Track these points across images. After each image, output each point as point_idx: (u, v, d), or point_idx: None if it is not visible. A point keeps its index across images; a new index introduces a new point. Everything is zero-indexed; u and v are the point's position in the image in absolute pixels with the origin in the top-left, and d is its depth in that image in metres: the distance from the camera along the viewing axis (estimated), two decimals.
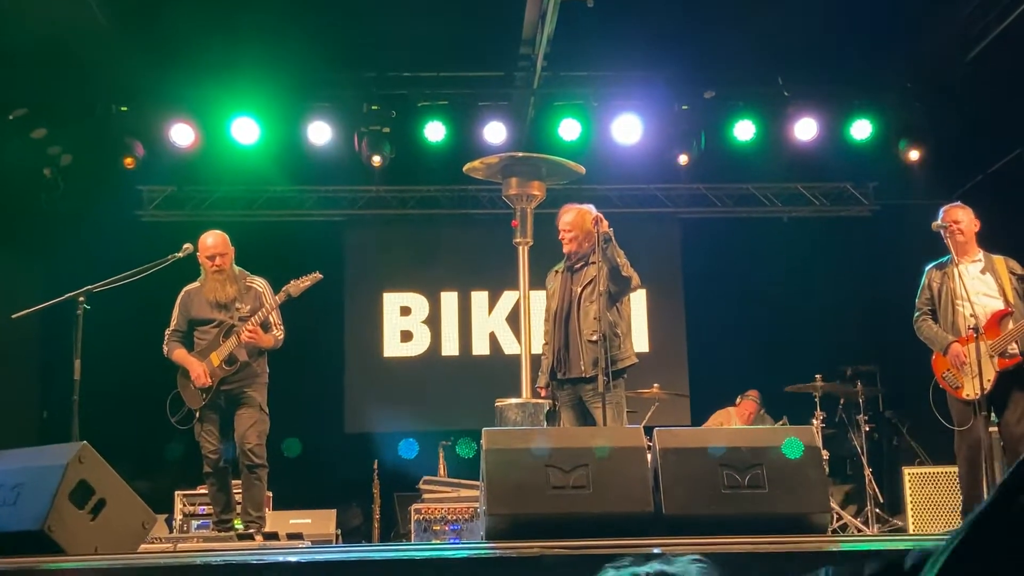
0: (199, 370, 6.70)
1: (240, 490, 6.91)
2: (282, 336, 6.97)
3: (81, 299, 6.32)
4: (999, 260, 6.49)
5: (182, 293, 6.96)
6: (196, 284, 6.94)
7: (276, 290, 6.92)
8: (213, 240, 6.89)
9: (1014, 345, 6.24)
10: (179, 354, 6.83)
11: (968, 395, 6.31)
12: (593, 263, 6.38)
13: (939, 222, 6.50)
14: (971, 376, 6.26)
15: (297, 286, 6.85)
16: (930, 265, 6.66)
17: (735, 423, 9.53)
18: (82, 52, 8.81)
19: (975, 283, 6.35)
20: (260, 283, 6.99)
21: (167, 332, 6.92)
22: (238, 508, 6.95)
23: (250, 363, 6.79)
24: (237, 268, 7.01)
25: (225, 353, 6.70)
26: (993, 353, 6.12)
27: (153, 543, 6.10)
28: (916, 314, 6.65)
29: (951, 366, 6.36)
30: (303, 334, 10.43)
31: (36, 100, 9.36)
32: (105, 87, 9.53)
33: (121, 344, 8.15)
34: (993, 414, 6.31)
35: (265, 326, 6.86)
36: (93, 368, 6.40)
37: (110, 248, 9.00)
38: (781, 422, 9.24)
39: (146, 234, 10.30)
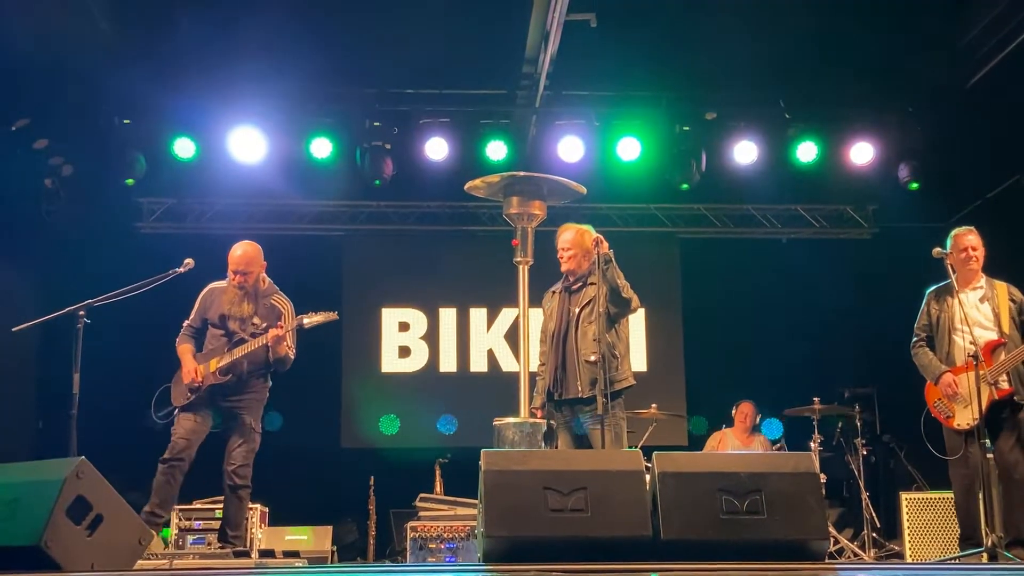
0: (191, 367, 6.63)
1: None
2: (292, 356, 6.82)
3: (81, 313, 6.29)
4: (1001, 287, 6.49)
5: (206, 289, 6.88)
6: (223, 284, 6.84)
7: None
8: (240, 253, 6.77)
9: (1005, 377, 6.25)
10: (183, 349, 6.77)
11: (959, 424, 6.33)
12: (592, 283, 6.38)
13: (948, 250, 6.48)
14: (963, 406, 6.28)
15: (312, 319, 6.72)
16: (930, 289, 6.67)
17: (732, 441, 9.51)
18: (85, 64, 8.83)
19: (972, 312, 6.35)
20: (284, 303, 6.85)
21: (184, 323, 6.87)
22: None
23: (249, 379, 6.70)
24: (267, 281, 6.89)
25: (225, 362, 6.61)
26: (986, 383, 6.12)
27: (149, 559, 6.07)
28: (913, 339, 6.67)
29: (942, 395, 6.37)
30: (301, 348, 10.48)
31: (38, 111, 9.37)
32: (107, 99, 9.54)
33: (120, 358, 8.13)
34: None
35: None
36: (92, 382, 6.37)
37: (110, 259, 9.01)
38: (778, 446, 9.25)
39: (146, 246, 10.32)
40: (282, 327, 6.58)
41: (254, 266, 6.79)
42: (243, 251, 6.79)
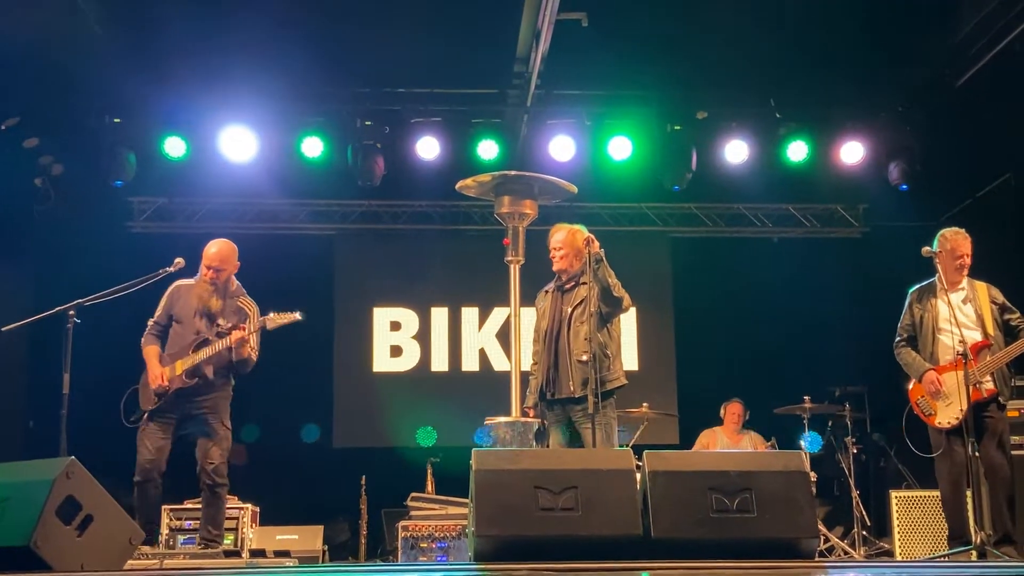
0: (156, 372, 6.58)
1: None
2: (255, 359, 6.79)
3: (71, 313, 6.28)
4: (982, 287, 6.53)
5: (172, 286, 6.85)
6: (191, 281, 6.83)
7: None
8: (215, 250, 6.78)
9: (989, 377, 6.28)
10: (149, 351, 6.72)
11: (940, 423, 6.35)
12: (584, 283, 6.39)
13: (937, 249, 6.50)
14: (945, 404, 6.31)
15: (275, 320, 6.71)
16: (913, 288, 6.70)
17: (722, 440, 9.53)
18: (76, 63, 8.82)
19: (957, 314, 6.37)
20: (250, 305, 6.85)
21: (149, 322, 6.82)
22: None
23: (215, 380, 6.66)
24: (237, 283, 6.91)
25: (190, 364, 6.57)
26: (969, 384, 6.14)
27: (140, 559, 6.06)
28: (896, 339, 6.69)
29: (925, 393, 6.40)
30: (292, 347, 10.46)
31: (29, 110, 9.35)
32: (98, 98, 9.52)
33: (111, 358, 8.11)
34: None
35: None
36: (82, 382, 6.36)
37: (100, 259, 9.00)
38: (770, 444, 9.26)
39: (136, 246, 10.30)
40: (245, 328, 6.58)
41: (228, 264, 6.80)
42: (219, 248, 6.80)
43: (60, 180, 9.91)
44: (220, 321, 6.68)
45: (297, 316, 6.79)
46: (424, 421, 10.69)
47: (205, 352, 6.58)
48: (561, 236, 6.61)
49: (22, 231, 9.92)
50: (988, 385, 6.28)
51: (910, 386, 6.56)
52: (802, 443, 9.00)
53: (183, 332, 6.71)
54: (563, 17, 8.12)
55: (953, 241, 6.51)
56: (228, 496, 7.57)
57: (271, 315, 6.74)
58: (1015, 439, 7.13)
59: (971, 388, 6.10)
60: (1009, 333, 6.42)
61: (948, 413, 6.29)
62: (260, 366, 6.89)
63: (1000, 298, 6.52)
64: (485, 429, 4.48)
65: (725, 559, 4.24)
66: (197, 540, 6.74)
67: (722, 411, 9.68)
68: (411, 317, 11.22)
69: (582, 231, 6.52)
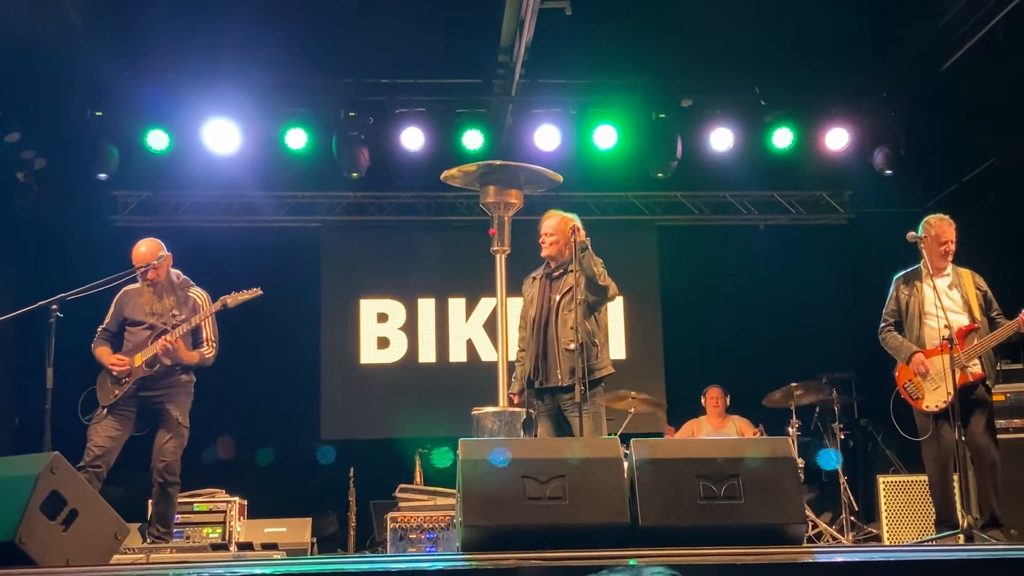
0: (115, 359, 6.58)
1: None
2: (211, 355, 6.78)
3: (54, 307, 6.24)
4: (967, 274, 6.56)
5: (120, 293, 6.83)
6: (137, 285, 6.81)
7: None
8: (145, 249, 6.76)
9: (976, 362, 6.30)
10: (101, 351, 6.71)
11: (927, 406, 6.37)
12: (572, 271, 6.38)
13: (922, 235, 6.51)
14: (932, 387, 6.32)
15: (235, 298, 6.72)
16: (898, 275, 6.72)
17: (705, 427, 9.53)
18: (57, 56, 8.75)
19: (943, 298, 6.39)
20: (200, 294, 6.86)
21: (99, 328, 6.81)
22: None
23: (174, 369, 6.65)
24: (180, 275, 6.90)
25: (149, 355, 6.56)
26: (956, 368, 6.15)
27: (125, 554, 6.04)
28: (881, 325, 6.70)
29: (913, 375, 6.41)
30: (280, 340, 10.48)
31: (10, 104, 9.28)
32: (80, 91, 9.45)
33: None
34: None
35: (196, 339, 6.76)
36: (66, 376, 6.32)
37: (84, 253, 8.97)
38: (758, 430, 9.27)
39: (120, 239, 10.19)
40: (167, 341, 6.52)
41: (154, 258, 6.73)
42: (146, 247, 6.77)
43: (43, 174, 9.84)
44: (174, 312, 6.66)
45: (258, 291, 6.81)
46: (412, 412, 10.66)
47: (162, 341, 6.55)
48: (552, 222, 6.62)
49: (5, 227, 9.87)
50: (975, 368, 6.30)
51: (897, 370, 6.57)
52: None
53: (138, 331, 6.71)
54: (547, 6, 8.10)
55: (937, 227, 6.54)
56: (215, 490, 7.57)
57: (231, 294, 6.73)
58: (1001, 423, 7.15)
59: (958, 372, 6.12)
60: (993, 324, 6.44)
61: (936, 396, 6.30)
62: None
63: (984, 286, 6.56)
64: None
65: (713, 546, 4.24)
66: (148, 536, 6.68)
67: (703, 398, 9.67)
68: (398, 308, 11.20)
69: (573, 219, 6.52)
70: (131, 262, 6.74)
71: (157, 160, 9.81)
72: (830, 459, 8.97)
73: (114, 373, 6.58)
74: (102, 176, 9.61)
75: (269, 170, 10.20)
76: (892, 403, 6.59)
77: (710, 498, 4.57)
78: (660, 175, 10.04)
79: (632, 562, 3.74)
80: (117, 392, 6.56)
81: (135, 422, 6.64)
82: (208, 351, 6.75)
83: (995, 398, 6.65)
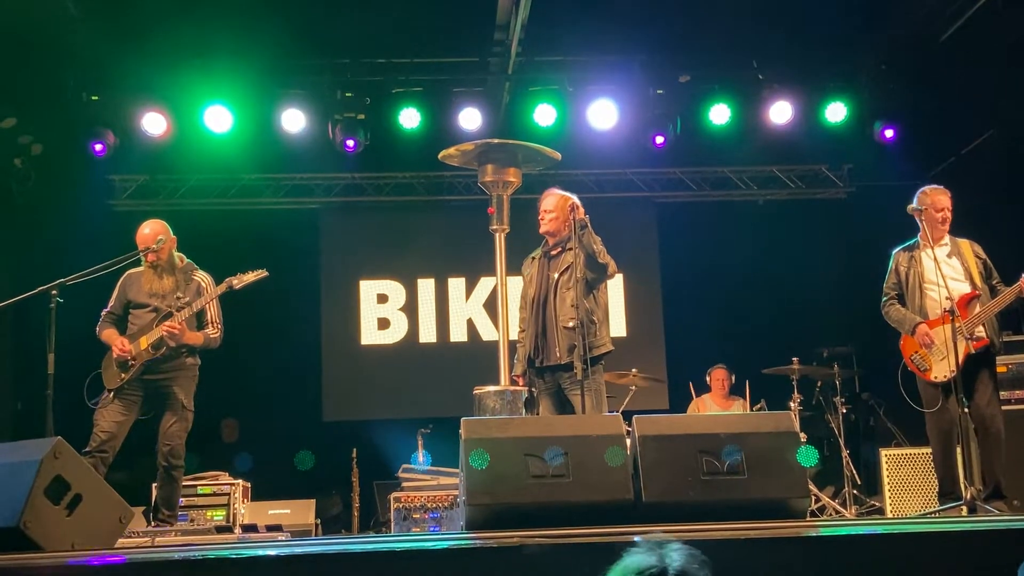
0: (120, 342, 6.57)
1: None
2: (218, 335, 6.78)
3: (54, 292, 6.23)
4: (965, 244, 6.56)
5: (123, 276, 6.83)
6: (139, 268, 6.82)
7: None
8: (148, 231, 6.76)
9: (981, 328, 6.30)
10: (107, 333, 6.73)
11: (936, 377, 6.36)
12: (570, 249, 6.37)
13: (922, 207, 6.50)
14: (939, 358, 6.31)
15: (241, 279, 6.73)
16: (897, 248, 6.71)
17: (711, 406, 9.54)
18: (52, 40, 8.71)
19: (943, 267, 6.38)
20: (204, 277, 6.86)
21: (103, 312, 6.82)
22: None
23: (180, 353, 6.64)
24: (184, 259, 6.90)
25: (155, 337, 6.55)
26: (962, 336, 6.14)
27: (130, 537, 6.05)
28: (883, 298, 6.69)
29: (919, 346, 6.40)
30: (280, 322, 10.47)
31: (6, 89, 9.23)
32: (76, 75, 9.43)
33: (94, 336, 8.10)
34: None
35: (200, 321, 6.74)
36: (67, 361, 6.32)
37: (83, 238, 8.96)
38: (759, 406, 9.27)
39: (119, 224, 10.19)
40: (172, 327, 6.51)
41: (154, 240, 6.71)
42: (150, 229, 6.77)
43: (40, 159, 9.81)
44: (179, 294, 6.64)
45: (264, 272, 6.82)
46: (414, 393, 10.69)
47: (166, 325, 6.54)
48: (552, 200, 6.63)
49: (3, 213, 9.85)
50: (980, 334, 6.30)
51: (902, 342, 6.57)
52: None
53: (142, 314, 6.71)
54: None
55: (933, 196, 6.57)
56: (219, 472, 7.58)
57: (237, 276, 6.73)
58: (1003, 394, 7.15)
59: (963, 343, 6.12)
60: (994, 292, 6.43)
61: (943, 367, 6.28)
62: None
63: (983, 254, 6.56)
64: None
65: (717, 521, 4.24)
66: (152, 520, 6.69)
67: (708, 378, 9.69)
68: (398, 289, 11.19)
69: (572, 198, 6.51)
70: (130, 246, 6.75)
71: (154, 144, 9.78)
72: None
73: (113, 356, 6.57)
74: (100, 149, 9.52)
75: (266, 152, 10.17)
76: (900, 375, 6.57)
77: (713, 473, 4.59)
78: (657, 141, 9.95)
79: (636, 539, 3.75)
80: (124, 376, 6.56)
81: (141, 406, 6.64)
82: (214, 332, 6.75)
83: (998, 369, 6.63)
